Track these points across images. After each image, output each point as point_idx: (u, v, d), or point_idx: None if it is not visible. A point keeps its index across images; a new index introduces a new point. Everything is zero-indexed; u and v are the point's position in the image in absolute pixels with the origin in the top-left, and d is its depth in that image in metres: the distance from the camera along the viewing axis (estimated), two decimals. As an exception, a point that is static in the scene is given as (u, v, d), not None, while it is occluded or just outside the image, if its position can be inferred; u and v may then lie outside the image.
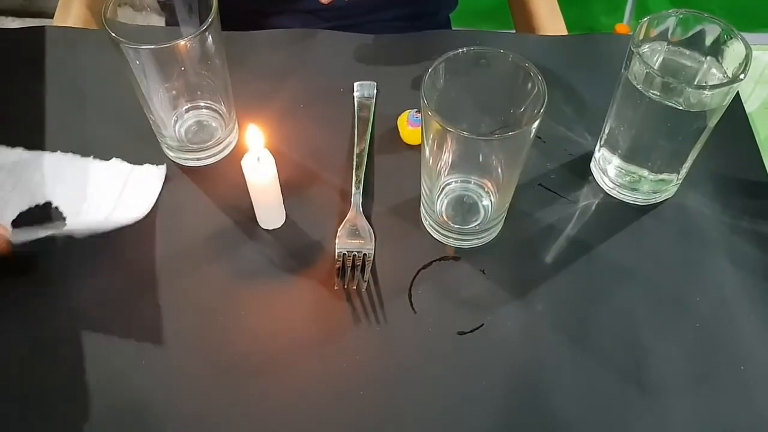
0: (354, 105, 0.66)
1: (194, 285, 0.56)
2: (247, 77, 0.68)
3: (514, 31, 0.95)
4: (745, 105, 0.66)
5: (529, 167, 0.62)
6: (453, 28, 1.03)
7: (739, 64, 0.51)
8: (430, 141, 0.51)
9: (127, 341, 0.53)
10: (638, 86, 0.52)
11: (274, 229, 0.59)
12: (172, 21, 0.60)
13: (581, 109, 0.67)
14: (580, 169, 0.62)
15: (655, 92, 0.51)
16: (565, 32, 0.89)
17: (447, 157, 0.53)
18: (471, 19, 1.47)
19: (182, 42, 0.52)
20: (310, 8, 0.86)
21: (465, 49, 0.50)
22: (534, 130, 0.49)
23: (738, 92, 0.66)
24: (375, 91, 0.67)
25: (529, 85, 0.50)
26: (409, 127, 0.64)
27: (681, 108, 0.51)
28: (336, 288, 0.55)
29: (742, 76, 0.49)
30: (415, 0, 0.90)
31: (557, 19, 0.92)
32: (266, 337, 0.54)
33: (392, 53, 0.71)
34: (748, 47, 0.50)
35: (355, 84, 0.68)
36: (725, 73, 0.53)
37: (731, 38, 0.52)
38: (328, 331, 0.54)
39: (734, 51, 0.52)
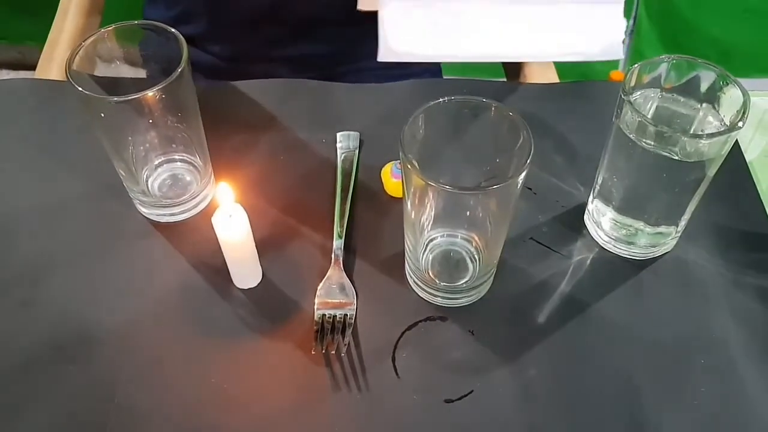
0: (336, 156, 0.64)
1: (163, 349, 0.52)
2: (226, 129, 0.65)
3: (504, 80, 0.93)
4: (744, 153, 0.63)
5: (519, 220, 0.59)
6: (444, 76, 1.01)
7: (737, 111, 0.48)
8: (411, 194, 0.48)
9: (91, 407, 0.49)
10: (630, 135, 0.49)
11: (249, 288, 0.55)
12: (148, 73, 0.58)
13: (573, 158, 0.64)
14: (573, 221, 0.59)
15: (648, 141, 0.48)
16: (556, 79, 0.88)
17: (430, 211, 0.50)
18: (462, 68, 1.46)
19: (149, 93, 0.50)
20: (298, 54, 0.84)
21: (446, 98, 0.47)
22: (521, 182, 0.46)
23: (737, 140, 0.63)
24: (358, 142, 0.65)
25: (515, 134, 0.47)
26: (392, 179, 0.61)
27: (677, 158, 0.48)
28: (314, 352, 0.51)
29: (740, 124, 0.47)
30: None
31: (548, 66, 0.90)
32: (239, 405, 0.50)
33: (376, 102, 0.69)
34: (745, 93, 0.48)
35: (338, 134, 0.65)
36: (722, 120, 0.50)
37: (727, 84, 0.49)
38: (305, 400, 0.50)
39: (731, 97, 0.49)
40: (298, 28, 0.82)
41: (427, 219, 0.51)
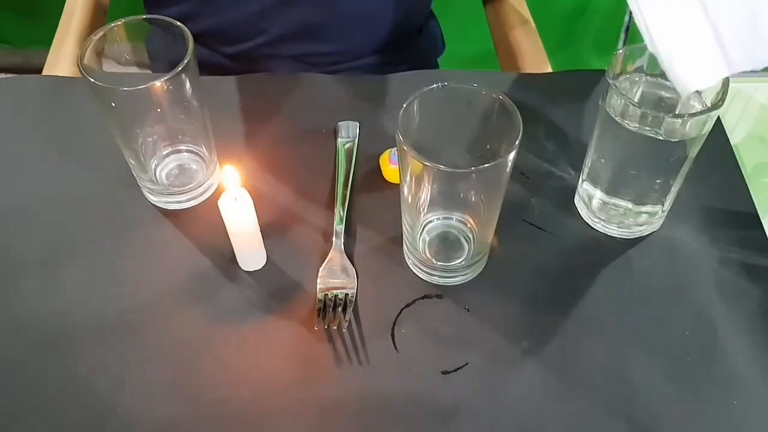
0: (337, 145, 0.66)
1: (174, 329, 0.55)
2: (229, 120, 0.68)
3: (500, 72, 0.95)
4: (729, 137, 0.66)
5: (512, 203, 0.62)
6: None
7: (717, 93, 0.50)
8: (407, 177, 0.51)
9: (104, 385, 0.52)
10: (616, 118, 0.51)
11: (254, 271, 0.58)
12: (155, 67, 0.60)
13: (564, 144, 0.66)
14: (564, 203, 0.62)
15: (633, 123, 0.51)
16: (549, 70, 0.90)
17: (426, 193, 0.52)
18: (460, 64, 1.49)
19: (157, 83, 0.52)
20: (298, 53, 0.86)
21: (439, 84, 0.50)
22: (511, 162, 0.48)
23: (722, 124, 0.66)
24: (357, 131, 0.67)
25: (505, 116, 0.49)
26: (391, 166, 0.63)
27: (660, 138, 0.51)
28: (317, 329, 0.54)
29: (720, 104, 0.49)
30: (402, 46, 0.90)
31: (542, 58, 0.93)
32: (247, 380, 0.52)
33: (375, 93, 0.71)
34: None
35: (338, 124, 0.68)
36: (704, 103, 0.53)
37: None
38: (309, 373, 0.53)
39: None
40: (301, 28, 0.84)
41: (423, 201, 0.54)
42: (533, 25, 0.94)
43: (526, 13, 0.96)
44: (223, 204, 0.52)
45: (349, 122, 0.68)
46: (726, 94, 0.50)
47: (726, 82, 0.50)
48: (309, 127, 0.68)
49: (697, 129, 0.51)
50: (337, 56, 0.88)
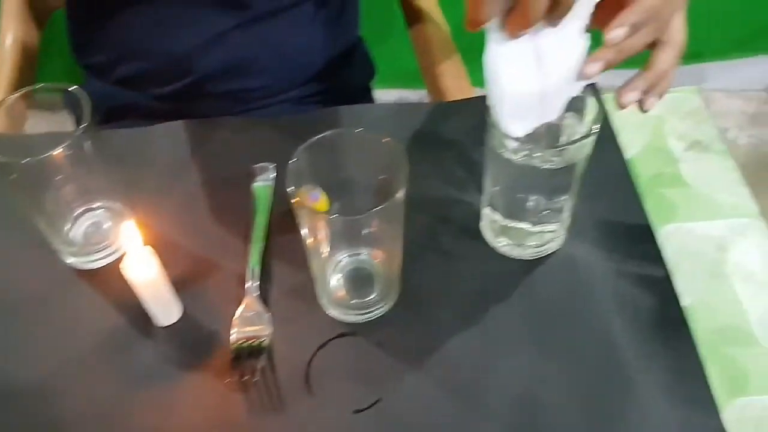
0: (252, 189, 0.68)
1: (91, 390, 0.56)
2: (144, 172, 0.69)
3: (423, 93, 0.98)
4: (626, 151, 0.68)
5: (422, 232, 0.63)
6: (380, 91, 1.05)
7: (593, 118, 0.53)
8: (304, 225, 0.52)
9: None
10: (500, 151, 0.54)
11: (170, 325, 0.59)
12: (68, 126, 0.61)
13: (472, 169, 0.68)
14: (471, 229, 0.64)
15: (515, 156, 0.53)
16: (470, 92, 0.92)
17: (327, 238, 0.54)
18: (398, 81, 1.51)
19: (56, 152, 0.53)
20: (228, 90, 0.87)
21: (327, 133, 0.52)
22: (401, 200, 0.50)
23: (616, 140, 0.68)
24: (274, 174, 0.69)
25: (391, 158, 0.51)
26: (308, 203, 0.65)
27: (545, 167, 0.53)
28: (229, 380, 0.55)
29: (594, 129, 0.51)
30: (331, 75, 0.92)
31: (463, 81, 0.95)
32: (165, 438, 0.54)
33: (290, 133, 0.72)
34: (600, 102, 0.52)
35: (254, 167, 0.69)
36: (585, 125, 0.55)
37: (588, 94, 0.54)
38: (225, 426, 0.54)
39: (590, 106, 0.54)
40: (228, 65, 0.85)
41: (326, 245, 0.55)
42: (454, 47, 0.97)
43: (448, 34, 0.98)
44: (125, 266, 0.53)
45: (265, 164, 0.69)
46: (600, 120, 0.52)
47: (601, 108, 0.52)
48: (225, 172, 0.69)
49: (578, 153, 0.53)
50: (266, 91, 0.89)
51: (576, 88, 0.52)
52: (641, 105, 0.54)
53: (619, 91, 0.53)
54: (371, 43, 1.02)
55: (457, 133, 0.71)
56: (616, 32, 0.49)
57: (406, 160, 0.51)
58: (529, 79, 0.50)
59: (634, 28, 0.50)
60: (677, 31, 0.53)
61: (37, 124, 0.71)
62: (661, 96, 0.54)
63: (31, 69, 0.94)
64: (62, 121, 0.72)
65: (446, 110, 0.75)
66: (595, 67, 0.50)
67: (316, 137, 0.52)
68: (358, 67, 1.00)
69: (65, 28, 0.90)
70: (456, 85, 0.94)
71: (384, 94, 1.77)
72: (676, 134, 0.70)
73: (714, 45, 1.81)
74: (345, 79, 0.95)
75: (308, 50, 0.88)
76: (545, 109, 0.52)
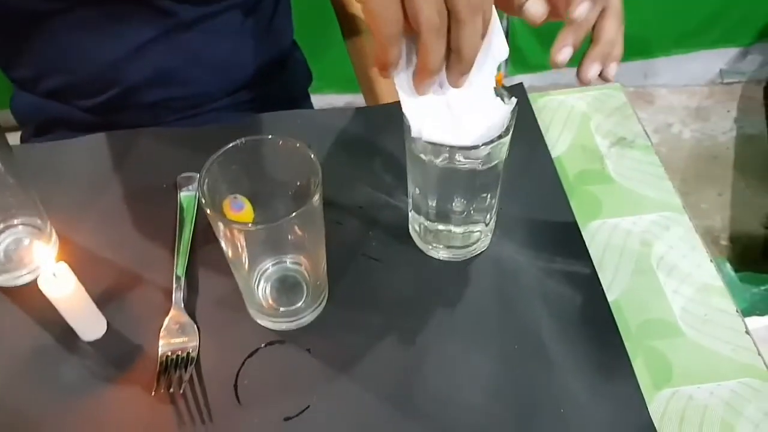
0: (177, 199, 0.67)
1: (15, 407, 0.55)
2: (67, 186, 0.68)
3: (339, 106, 0.98)
4: (553, 149, 0.69)
5: (351, 237, 0.63)
6: (318, 96, 1.04)
7: (510, 118, 0.53)
8: (222, 236, 0.52)
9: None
10: (420, 154, 0.54)
11: (95, 340, 0.58)
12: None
13: (401, 174, 0.68)
14: (400, 233, 0.64)
15: (434, 158, 0.53)
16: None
17: (246, 247, 0.54)
18: (336, 85, 1.51)
19: (-38, 170, 0.52)
20: (155, 100, 0.86)
21: (237, 141, 0.51)
22: (318, 204, 0.50)
23: (543, 139, 0.69)
24: (198, 183, 0.68)
25: (306, 163, 0.51)
26: (232, 212, 0.64)
27: (463, 167, 0.53)
28: (153, 393, 0.54)
29: (508, 131, 0.52)
30: (265, 82, 0.91)
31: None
32: (93, 453, 0.53)
33: (216, 142, 0.72)
34: (512, 105, 0.53)
35: (178, 178, 0.68)
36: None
37: (500, 94, 0.54)
38: (153, 439, 0.53)
39: (506, 105, 0.54)
40: (154, 75, 0.84)
41: (246, 256, 0.55)
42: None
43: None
44: (42, 282, 0.52)
45: (190, 174, 0.68)
46: (512, 124, 0.52)
47: (514, 111, 0.52)
48: (150, 183, 0.68)
49: (495, 154, 0.53)
50: (195, 100, 0.88)
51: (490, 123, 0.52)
52: (604, 75, 0.54)
53: (579, 69, 0.53)
54: (311, 48, 1.02)
55: (385, 138, 0.71)
56: (582, 7, 0.50)
57: (318, 164, 0.50)
58: (438, 97, 0.52)
59: (593, 2, 0.50)
60: None
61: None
62: (617, 61, 0.54)
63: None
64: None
65: (375, 114, 0.75)
66: (566, 53, 0.51)
67: (228, 146, 0.52)
68: (293, 73, 1.00)
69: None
70: (391, 90, 0.94)
71: (329, 99, 1.78)
72: (602, 131, 0.71)
73: (658, 41, 1.85)
74: (280, 85, 0.95)
75: (236, 58, 0.87)
76: (458, 132, 0.51)
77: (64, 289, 0.53)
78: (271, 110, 0.77)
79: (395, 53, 0.48)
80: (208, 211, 0.48)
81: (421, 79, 0.50)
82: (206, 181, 0.50)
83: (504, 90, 0.53)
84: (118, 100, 0.85)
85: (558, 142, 0.70)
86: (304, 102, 1.03)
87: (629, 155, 0.69)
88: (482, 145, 0.51)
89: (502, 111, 0.52)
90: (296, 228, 0.52)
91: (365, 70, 0.97)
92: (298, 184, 0.53)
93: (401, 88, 0.51)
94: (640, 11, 1.69)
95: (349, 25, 1.01)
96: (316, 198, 0.49)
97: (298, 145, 0.51)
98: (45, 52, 0.83)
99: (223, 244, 0.53)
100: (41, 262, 0.52)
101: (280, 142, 0.52)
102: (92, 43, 0.80)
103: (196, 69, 0.84)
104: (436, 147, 0.52)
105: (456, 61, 0.49)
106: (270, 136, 0.52)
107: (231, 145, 0.51)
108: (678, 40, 1.88)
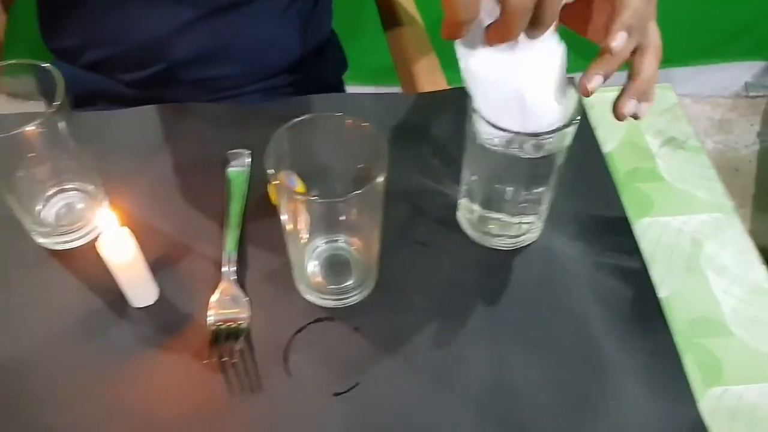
0: (227, 174, 0.67)
1: (66, 369, 0.55)
2: (119, 155, 0.68)
3: (395, 91, 0.98)
4: (604, 145, 0.69)
5: (399, 222, 0.63)
6: (350, 88, 1.05)
7: (575, 109, 0.53)
8: (285, 208, 0.52)
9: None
10: (479, 139, 0.54)
11: (146, 307, 0.58)
12: (38, 105, 0.60)
13: (449, 160, 0.68)
14: (448, 219, 0.64)
15: (497, 144, 0.53)
16: (444, 86, 0.92)
17: (306, 222, 0.54)
18: (368, 77, 1.51)
19: (28, 129, 0.52)
20: (198, 78, 0.86)
21: (307, 116, 0.51)
22: (381, 186, 0.50)
23: (594, 134, 0.69)
24: (249, 159, 0.68)
25: (371, 143, 0.51)
26: (281, 192, 0.64)
27: (524, 156, 0.53)
28: (207, 361, 0.55)
29: (575, 121, 0.52)
30: (303, 67, 0.91)
31: (439, 77, 0.95)
32: (142, 417, 0.53)
33: (265, 120, 0.71)
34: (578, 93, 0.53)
35: (228, 153, 0.68)
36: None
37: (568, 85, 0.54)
38: (203, 406, 0.53)
39: (570, 96, 0.54)
40: (199, 53, 0.84)
41: (304, 230, 0.55)
42: (430, 46, 0.97)
43: (424, 33, 0.98)
44: (102, 246, 0.52)
45: (240, 150, 0.69)
46: (580, 111, 0.52)
47: (580, 100, 0.53)
48: (199, 157, 0.69)
49: (558, 143, 0.53)
50: (236, 80, 0.88)
51: (558, 110, 0.52)
52: (636, 115, 0.53)
53: (616, 104, 0.52)
54: (343, 38, 1.02)
55: (433, 124, 0.71)
56: (619, 38, 0.49)
57: (386, 146, 0.50)
58: (507, 81, 0.50)
59: (630, 32, 0.50)
60: (655, 35, 0.53)
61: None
62: (651, 101, 0.53)
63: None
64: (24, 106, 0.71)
65: (423, 101, 0.75)
66: (596, 82, 0.50)
67: (296, 120, 0.52)
68: (331, 61, 1.00)
69: (31, 11, 0.88)
70: (431, 83, 0.95)
71: (355, 90, 1.77)
72: (653, 131, 0.71)
73: (682, 51, 1.84)
74: (317, 72, 0.95)
75: (279, 41, 0.87)
76: (526, 118, 0.51)
77: (124, 255, 0.53)
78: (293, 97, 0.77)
79: (472, 11, 0.46)
80: (275, 182, 0.48)
81: (500, 39, 0.48)
82: (272, 152, 0.50)
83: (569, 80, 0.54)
84: (160, 76, 0.85)
85: (608, 140, 0.70)
86: (338, 90, 1.03)
87: (680, 155, 0.69)
88: (548, 133, 0.51)
89: (570, 99, 0.52)
90: (357, 207, 0.52)
91: (406, 61, 0.97)
92: (360, 164, 0.53)
93: (466, 53, 0.49)
94: (667, 20, 1.68)
95: (391, 16, 1.01)
96: (381, 178, 0.49)
97: (366, 124, 0.51)
98: (92, 24, 0.83)
99: (283, 217, 0.53)
100: (104, 225, 0.52)
101: (348, 121, 0.52)
102: (139, 16, 0.81)
103: (238, 50, 0.85)
104: (500, 133, 0.52)
105: (534, 30, 0.48)
106: (339, 114, 0.52)
107: (298, 119, 0.51)
108: (704, 51, 1.88)
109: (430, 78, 0.95)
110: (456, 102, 0.73)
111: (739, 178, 1.78)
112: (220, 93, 0.88)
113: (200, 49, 0.83)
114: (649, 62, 0.52)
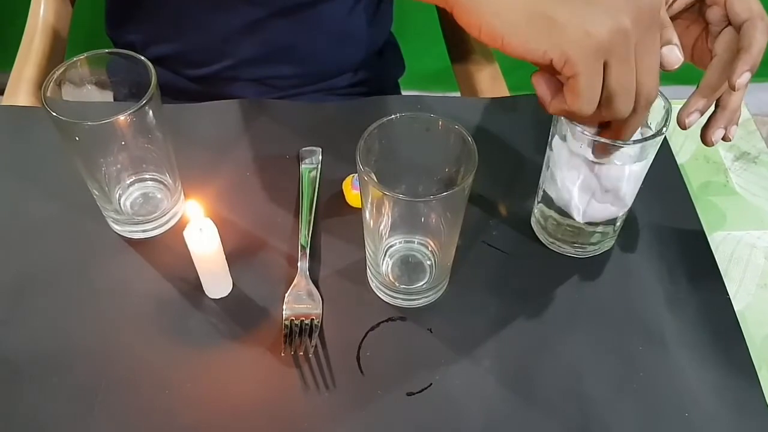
0: (300, 171, 0.68)
1: (141, 357, 0.56)
2: (193, 148, 0.69)
3: (458, 94, 0.98)
4: (676, 157, 0.69)
5: (472, 226, 0.64)
6: (402, 92, 1.05)
7: (662, 118, 0.53)
8: (369, 204, 0.52)
9: (73, 413, 0.52)
10: (570, 147, 0.54)
11: (221, 298, 0.59)
12: (118, 97, 0.61)
13: (520, 166, 0.69)
14: (521, 225, 0.64)
15: (583, 150, 0.53)
16: (506, 93, 0.93)
17: (387, 219, 0.54)
18: (420, 82, 1.51)
19: (122, 117, 0.53)
20: (262, 76, 0.87)
21: (398, 114, 0.52)
22: (468, 188, 0.50)
23: (669, 146, 0.69)
24: (320, 157, 0.69)
25: (461, 146, 0.51)
26: (353, 191, 0.65)
27: (607, 164, 0.53)
28: (283, 354, 0.55)
29: (663, 130, 0.52)
30: (363, 67, 0.92)
31: (499, 82, 0.95)
32: (215, 407, 0.53)
33: (337, 119, 0.73)
34: (667, 102, 0.53)
35: (301, 150, 0.69)
36: (650, 127, 0.55)
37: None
38: (276, 399, 0.54)
39: (656, 107, 0.54)
40: (264, 51, 0.85)
41: (384, 227, 0.55)
42: (491, 50, 0.97)
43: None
44: (188, 235, 0.53)
45: (312, 148, 0.69)
46: (669, 120, 0.52)
47: (668, 108, 0.52)
48: (272, 153, 0.69)
49: (644, 153, 0.53)
50: (299, 80, 0.89)
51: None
52: (725, 137, 0.56)
53: (705, 132, 0.56)
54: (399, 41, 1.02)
55: (506, 129, 0.71)
56: (744, 78, 0.52)
57: (475, 150, 0.51)
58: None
59: (753, 70, 0.52)
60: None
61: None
62: (737, 124, 0.57)
63: (61, 45, 0.93)
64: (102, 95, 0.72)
65: (490, 106, 0.75)
66: (694, 118, 0.54)
67: (386, 118, 0.52)
68: (390, 62, 1.00)
69: (96, 5, 0.89)
70: (492, 88, 0.95)
71: (409, 94, 1.77)
72: (725, 145, 0.71)
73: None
74: (377, 73, 0.96)
75: (343, 42, 0.88)
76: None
77: (208, 245, 0.54)
78: (366, 96, 0.78)
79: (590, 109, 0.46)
80: (366, 178, 0.49)
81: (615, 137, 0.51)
82: (361, 149, 0.50)
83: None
84: (225, 73, 0.86)
85: (681, 152, 0.70)
86: (395, 92, 1.04)
87: (753, 170, 0.68)
88: (637, 141, 0.51)
89: (658, 110, 0.52)
90: (441, 209, 0.53)
91: (466, 63, 0.97)
92: (448, 166, 0.53)
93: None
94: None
95: (461, 50, 1.01)
96: (468, 182, 0.49)
97: (457, 126, 0.51)
98: (159, 19, 0.84)
99: (366, 212, 0.53)
100: (191, 215, 0.52)
101: (440, 123, 0.52)
102: (207, 13, 0.82)
103: (302, 50, 0.86)
104: (589, 139, 0.52)
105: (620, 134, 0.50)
106: (431, 115, 0.52)
107: (388, 118, 0.52)
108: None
109: (491, 81, 0.95)
110: (526, 108, 0.74)
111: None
112: (282, 92, 0.88)
113: (265, 49, 0.84)
114: (738, 96, 0.55)
